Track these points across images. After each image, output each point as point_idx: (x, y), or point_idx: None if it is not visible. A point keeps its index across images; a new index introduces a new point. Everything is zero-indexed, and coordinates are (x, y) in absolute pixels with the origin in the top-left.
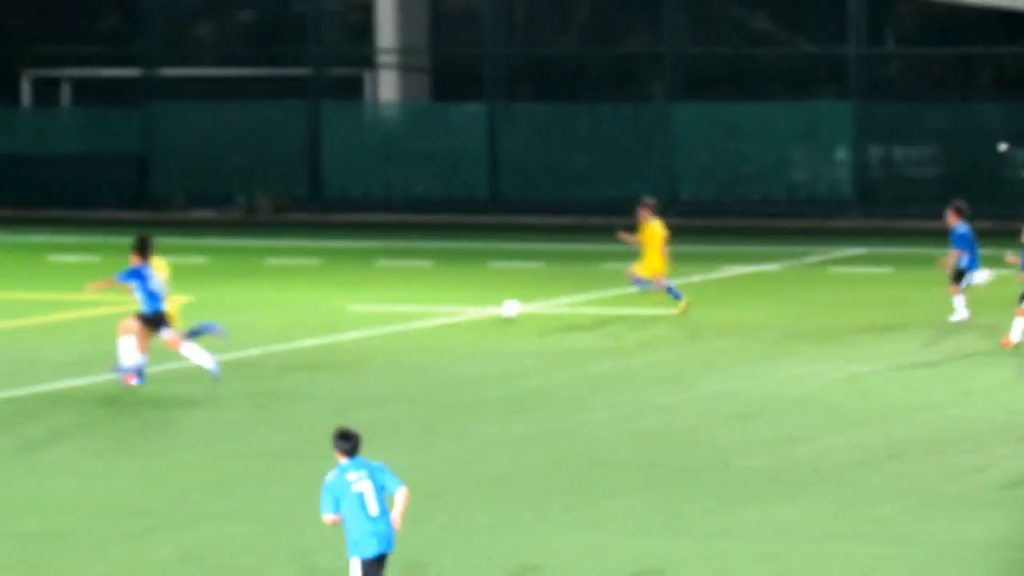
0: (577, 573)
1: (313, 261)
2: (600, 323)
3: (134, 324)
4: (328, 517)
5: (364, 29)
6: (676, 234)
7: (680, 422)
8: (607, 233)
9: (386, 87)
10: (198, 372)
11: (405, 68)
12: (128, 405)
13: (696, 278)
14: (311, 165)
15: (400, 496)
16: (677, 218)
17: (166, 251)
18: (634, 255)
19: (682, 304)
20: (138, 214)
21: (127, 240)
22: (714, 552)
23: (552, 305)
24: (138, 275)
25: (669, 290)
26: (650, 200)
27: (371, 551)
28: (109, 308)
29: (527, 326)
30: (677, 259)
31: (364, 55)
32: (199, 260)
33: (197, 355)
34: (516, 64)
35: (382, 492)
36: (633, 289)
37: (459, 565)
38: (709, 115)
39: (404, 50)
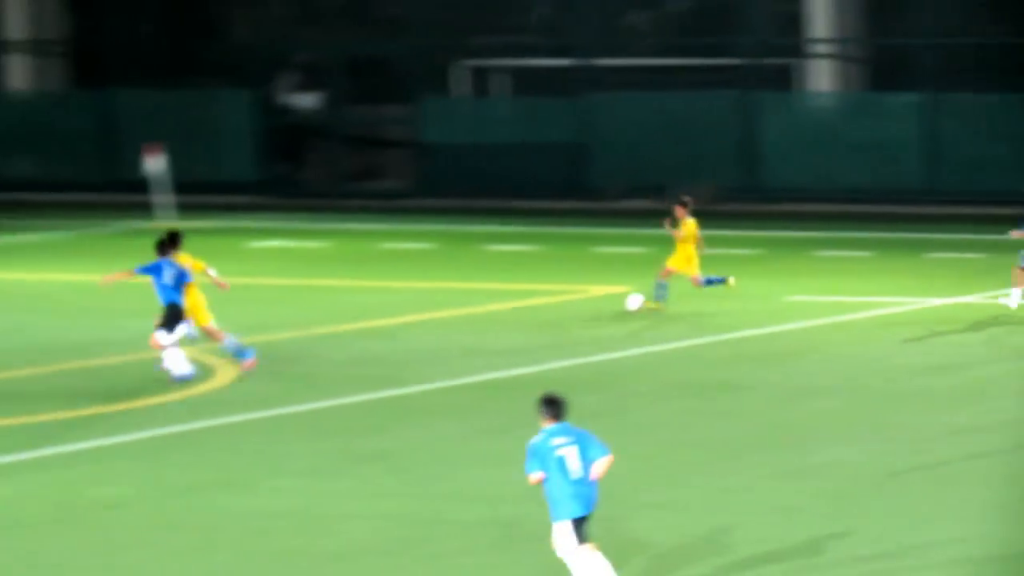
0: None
1: (751, 251)
2: None
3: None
4: (533, 476)
5: (794, 18)
6: None
7: None
8: None
9: (818, 76)
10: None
11: (837, 57)
12: (566, 393)
13: None
14: (746, 155)
15: (603, 461)
16: None
17: (602, 241)
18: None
19: (657, 305)
20: (574, 204)
21: (565, 230)
22: None
23: (992, 296)
24: (156, 270)
25: (660, 286)
26: (687, 199)
27: (573, 513)
28: (540, 299)
29: (968, 317)
30: None
31: (794, 44)
32: (636, 250)
33: (174, 362)
34: (953, 53)
35: (588, 460)
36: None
37: (902, 557)
38: None
39: (838, 39)
